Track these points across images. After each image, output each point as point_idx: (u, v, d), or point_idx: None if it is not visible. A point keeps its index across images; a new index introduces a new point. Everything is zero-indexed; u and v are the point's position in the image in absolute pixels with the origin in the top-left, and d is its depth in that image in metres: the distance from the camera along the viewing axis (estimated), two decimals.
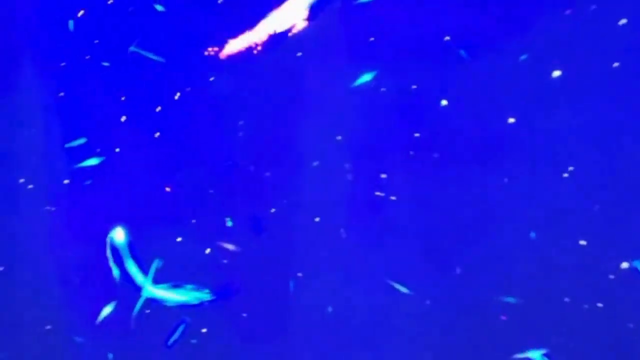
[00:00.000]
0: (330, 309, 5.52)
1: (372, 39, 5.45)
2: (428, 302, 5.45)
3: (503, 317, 5.36)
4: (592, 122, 5.22)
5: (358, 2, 5.44)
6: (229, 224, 5.63)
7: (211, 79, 5.66)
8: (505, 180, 5.36)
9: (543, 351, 5.31)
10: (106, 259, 5.64)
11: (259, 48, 5.54)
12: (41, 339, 5.73)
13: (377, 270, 5.50)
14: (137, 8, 5.69)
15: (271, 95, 5.63)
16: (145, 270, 5.61)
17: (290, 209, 5.63)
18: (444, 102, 5.42)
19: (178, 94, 5.69)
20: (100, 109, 5.76)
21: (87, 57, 5.74)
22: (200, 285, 5.64)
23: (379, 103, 5.48)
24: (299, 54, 5.55)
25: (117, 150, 5.72)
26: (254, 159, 5.67)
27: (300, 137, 5.60)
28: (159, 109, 5.68)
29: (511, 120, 5.32)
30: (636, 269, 5.16)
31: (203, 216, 5.69)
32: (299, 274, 5.58)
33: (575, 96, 5.22)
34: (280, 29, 5.50)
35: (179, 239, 5.71)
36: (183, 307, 5.67)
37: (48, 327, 5.75)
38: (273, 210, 5.57)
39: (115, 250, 5.57)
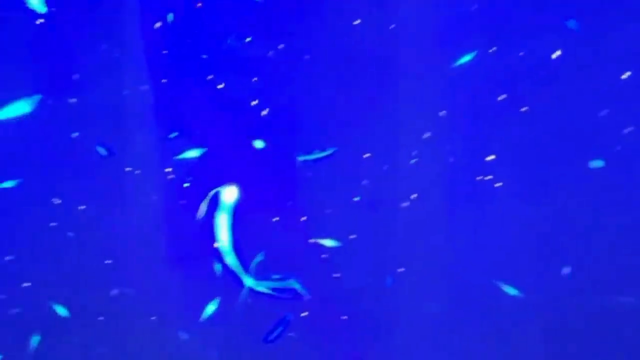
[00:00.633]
0: (430, 306, 5.31)
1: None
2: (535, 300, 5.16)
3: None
4: None
5: None
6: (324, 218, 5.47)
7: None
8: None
9: None
10: (211, 253, 5.56)
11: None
12: (146, 332, 5.73)
13: (481, 268, 5.25)
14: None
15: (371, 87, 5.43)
16: (246, 265, 5.50)
17: (391, 203, 5.42)
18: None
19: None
20: (201, 102, 5.67)
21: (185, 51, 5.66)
22: (300, 280, 5.51)
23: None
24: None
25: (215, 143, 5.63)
26: (356, 151, 5.47)
27: (399, 128, 5.38)
28: (255, 102, 5.56)
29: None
30: None
31: (302, 210, 5.53)
32: (400, 269, 5.38)
33: None
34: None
35: (279, 234, 5.58)
36: (283, 302, 5.54)
37: (153, 317, 5.73)
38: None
39: (214, 210, 5.42)
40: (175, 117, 5.71)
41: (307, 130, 5.59)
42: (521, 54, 5.24)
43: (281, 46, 5.55)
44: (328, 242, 5.54)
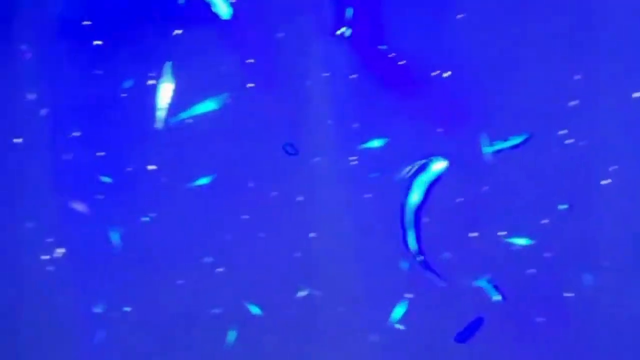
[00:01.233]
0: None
1: None
2: None
3: None
4: None
5: None
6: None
7: None
8: None
9: None
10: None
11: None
12: (333, 333, 5.70)
13: None
14: None
15: None
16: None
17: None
18: None
19: None
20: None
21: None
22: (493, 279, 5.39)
23: None
24: None
25: None
26: None
27: None
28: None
29: None
30: None
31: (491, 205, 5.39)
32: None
33: None
34: None
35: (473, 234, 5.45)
36: (478, 303, 5.42)
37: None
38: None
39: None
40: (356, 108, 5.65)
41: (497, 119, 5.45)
42: None
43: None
44: (520, 241, 5.39)
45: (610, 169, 5.29)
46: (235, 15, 5.38)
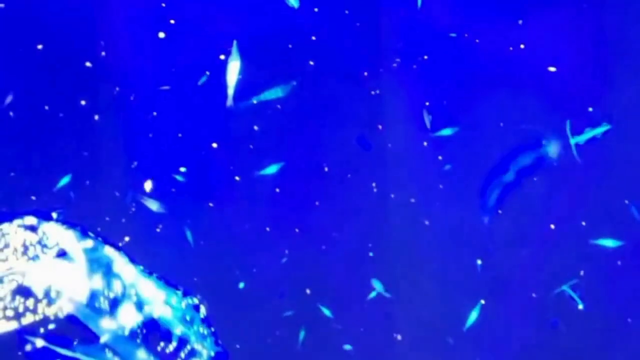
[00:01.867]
0: None
1: None
2: None
3: None
4: None
5: None
6: None
7: None
8: None
9: None
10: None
11: None
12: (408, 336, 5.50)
13: None
14: None
15: None
16: None
17: None
18: None
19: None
20: None
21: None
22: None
23: None
24: None
25: None
26: None
27: None
28: None
29: None
30: None
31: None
32: None
33: None
34: None
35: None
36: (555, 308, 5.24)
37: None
38: None
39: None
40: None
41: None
42: None
43: None
44: (608, 243, 5.16)
45: None
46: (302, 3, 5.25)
